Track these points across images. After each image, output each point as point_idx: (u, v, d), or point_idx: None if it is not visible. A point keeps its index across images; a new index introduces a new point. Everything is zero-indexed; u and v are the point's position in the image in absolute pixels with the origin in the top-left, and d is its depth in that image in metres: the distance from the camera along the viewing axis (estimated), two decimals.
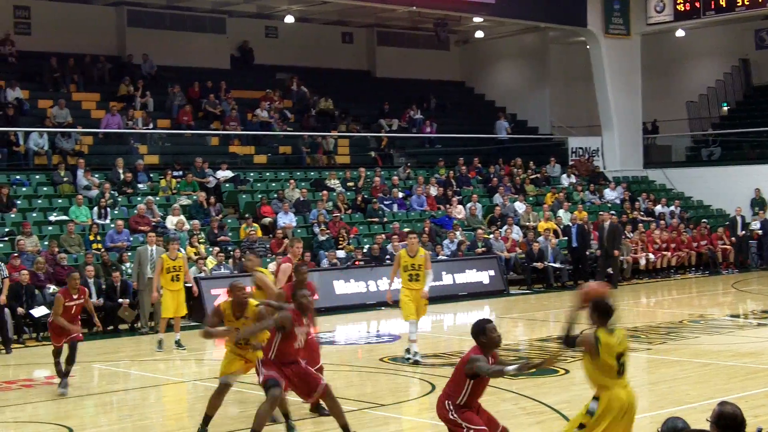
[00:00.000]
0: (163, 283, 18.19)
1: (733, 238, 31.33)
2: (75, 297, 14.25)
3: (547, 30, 38.26)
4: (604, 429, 8.28)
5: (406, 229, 27.79)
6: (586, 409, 8.39)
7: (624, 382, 8.40)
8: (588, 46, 36.14)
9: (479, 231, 28.07)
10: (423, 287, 16.04)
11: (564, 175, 34.73)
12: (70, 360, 14.06)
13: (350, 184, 30.14)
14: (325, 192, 28.63)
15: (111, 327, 21.11)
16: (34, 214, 23.96)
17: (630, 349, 8.73)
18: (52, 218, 24.01)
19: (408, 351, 16.04)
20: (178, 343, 18.15)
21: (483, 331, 8.94)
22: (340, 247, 26.00)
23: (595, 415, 8.34)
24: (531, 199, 32.13)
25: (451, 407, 8.96)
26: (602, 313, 8.41)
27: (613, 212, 31.58)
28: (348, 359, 17.30)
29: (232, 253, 23.76)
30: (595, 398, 8.39)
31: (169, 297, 18.11)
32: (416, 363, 15.65)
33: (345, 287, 24.33)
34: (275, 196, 27.66)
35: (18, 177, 25.52)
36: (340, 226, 26.73)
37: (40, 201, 24.84)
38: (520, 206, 30.81)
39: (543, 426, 11.62)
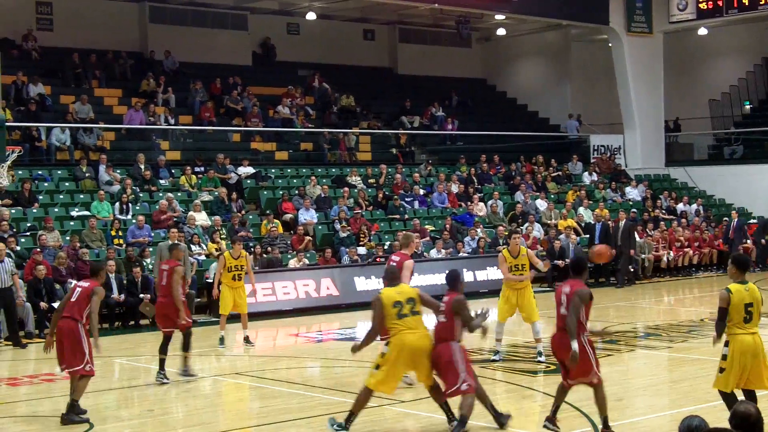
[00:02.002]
0: (224, 280, 18.16)
1: (754, 238, 31.08)
2: None
3: (569, 27, 38.16)
4: (736, 369, 9.79)
5: (427, 226, 27.80)
6: (721, 355, 9.91)
7: (752, 328, 9.87)
8: (610, 44, 36.01)
9: (500, 228, 28.01)
10: (528, 283, 16.09)
11: (585, 173, 34.63)
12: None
13: (371, 180, 30.14)
14: (346, 189, 28.64)
15: (132, 322, 21.19)
16: (56, 210, 24.05)
17: (761, 301, 10.02)
18: (73, 213, 24.11)
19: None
20: (247, 340, 18.19)
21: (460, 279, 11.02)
22: (361, 243, 26.01)
23: (727, 358, 9.87)
24: (552, 196, 32.04)
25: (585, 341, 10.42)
26: (740, 266, 10.03)
27: (634, 210, 31.54)
28: (369, 356, 17.28)
29: (253, 249, 23.79)
30: (726, 344, 9.90)
31: (229, 294, 18.09)
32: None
33: (366, 284, 24.30)
34: (296, 192, 27.68)
35: (40, 172, 25.63)
36: (361, 222, 26.73)
37: (62, 196, 24.94)
38: (541, 204, 30.73)
39: (563, 423, 11.56)
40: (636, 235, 28.25)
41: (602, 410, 10.64)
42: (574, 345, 10.25)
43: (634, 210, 31.68)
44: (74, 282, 13.07)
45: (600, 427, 10.69)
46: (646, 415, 12.21)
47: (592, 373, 10.50)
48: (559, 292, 10.66)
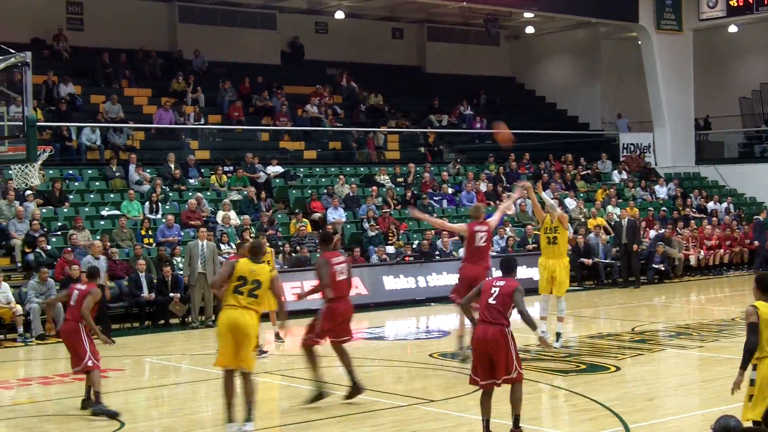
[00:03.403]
0: None
1: None
2: None
3: (598, 25, 37.98)
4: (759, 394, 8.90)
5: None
6: (749, 380, 9.00)
7: None
8: (639, 42, 35.82)
9: (529, 227, 27.92)
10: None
11: (615, 171, 34.46)
12: None
13: (400, 179, 30.12)
14: (374, 187, 28.63)
15: (162, 321, 21.28)
16: (87, 209, 24.18)
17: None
18: (104, 213, 24.23)
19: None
20: (277, 336, 18.25)
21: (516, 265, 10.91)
22: (389, 242, 26.00)
23: (756, 384, 8.95)
24: (582, 195, 31.91)
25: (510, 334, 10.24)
26: (763, 287, 9.04)
27: (664, 208, 31.39)
28: (397, 355, 17.30)
29: (282, 248, 23.83)
30: (754, 367, 8.98)
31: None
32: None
33: (394, 283, 24.32)
34: (325, 191, 27.71)
35: (71, 172, 25.79)
36: (390, 221, 26.72)
37: (92, 196, 25.08)
38: (570, 202, 30.60)
39: (594, 423, 11.54)
40: (643, 233, 28.15)
41: (516, 408, 10.46)
42: (539, 332, 11.12)
43: (664, 209, 31.53)
44: (72, 285, 13.35)
45: (511, 427, 10.48)
46: (677, 415, 12.14)
47: (513, 368, 10.25)
48: (489, 285, 10.52)
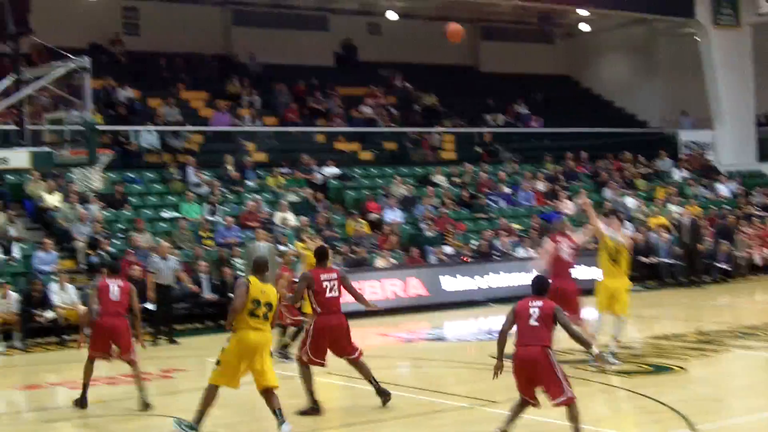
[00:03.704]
0: None
1: None
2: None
3: (654, 22, 37.51)
4: None
5: (514, 225, 27.55)
6: None
7: None
8: (697, 38, 35.37)
9: (587, 226, 27.63)
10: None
11: (675, 170, 34.05)
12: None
13: (456, 179, 30.00)
14: (430, 188, 28.54)
15: (222, 321, 21.34)
16: (147, 211, 24.40)
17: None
18: (164, 215, 24.42)
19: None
20: None
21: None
22: (447, 243, 25.88)
23: None
24: (642, 194, 31.56)
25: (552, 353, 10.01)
26: None
27: (727, 207, 30.96)
28: (458, 356, 17.20)
29: (339, 248, 23.83)
30: None
31: None
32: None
33: (452, 283, 24.20)
34: (381, 192, 27.67)
35: (131, 175, 26.01)
36: (447, 221, 26.61)
37: (152, 198, 25.30)
38: (630, 201, 30.28)
39: (661, 425, 11.38)
40: (705, 232, 27.82)
41: (577, 428, 9.99)
42: (595, 350, 10.97)
43: (727, 207, 31.07)
44: (103, 280, 13.43)
45: None
46: (744, 416, 11.95)
47: (562, 390, 9.92)
48: (526, 307, 10.18)
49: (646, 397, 12.70)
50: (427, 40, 37.15)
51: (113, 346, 13.08)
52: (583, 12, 35.49)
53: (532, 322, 10.01)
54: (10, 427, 12.71)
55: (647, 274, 26.91)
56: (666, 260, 26.97)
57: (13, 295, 19.24)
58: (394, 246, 25.03)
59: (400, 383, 13.63)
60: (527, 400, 10.15)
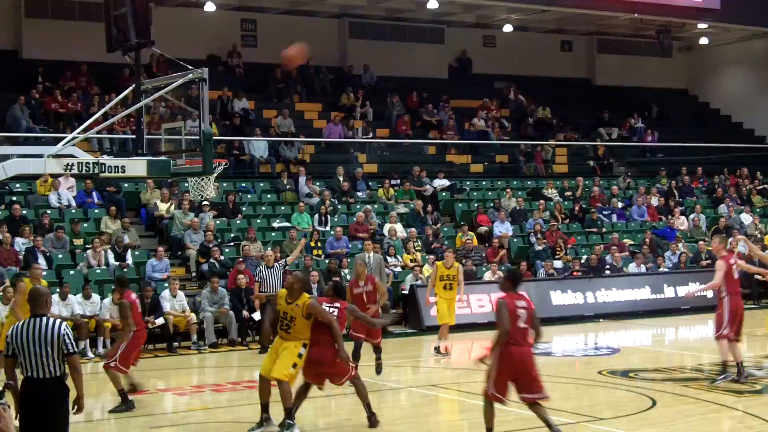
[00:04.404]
0: (437, 290, 18.39)
1: None
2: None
3: None
4: None
5: (626, 240, 27.21)
6: None
7: None
8: None
9: (701, 243, 27.15)
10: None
11: None
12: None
13: (568, 193, 29.75)
14: (542, 201, 28.37)
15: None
16: (259, 221, 24.75)
17: None
18: (275, 225, 24.75)
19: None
20: (437, 350, 18.38)
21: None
22: (557, 257, 25.68)
23: None
24: (758, 210, 30.84)
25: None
26: None
27: None
28: (565, 371, 17.04)
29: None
30: None
31: (443, 304, 18.34)
32: None
33: (562, 298, 23.99)
34: (491, 205, 27.61)
35: (243, 184, 26.45)
36: (558, 235, 26.40)
37: (264, 208, 25.64)
38: (746, 218, 29.63)
39: None
40: None
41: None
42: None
43: None
44: (128, 292, 14.20)
45: None
46: None
47: (541, 387, 10.60)
48: (515, 308, 10.53)
49: (758, 417, 12.42)
50: (543, 53, 37.03)
51: None
52: (702, 25, 34.90)
53: (521, 324, 10.45)
54: None
55: (762, 292, 26.27)
56: None
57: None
58: (503, 259, 24.94)
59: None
60: (500, 398, 10.55)
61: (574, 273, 24.82)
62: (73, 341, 8.52)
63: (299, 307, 11.56)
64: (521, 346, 10.51)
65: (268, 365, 11.67)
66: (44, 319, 8.52)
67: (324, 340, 11.56)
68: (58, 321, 8.58)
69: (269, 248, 22.09)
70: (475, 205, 27.79)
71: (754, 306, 25.42)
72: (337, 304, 12.13)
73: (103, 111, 14.96)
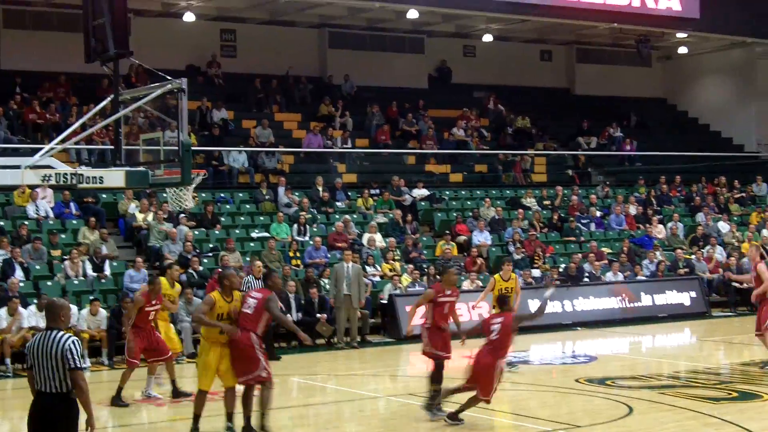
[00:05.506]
0: (494, 302, 18.03)
1: None
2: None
3: (753, 45, 36.95)
4: None
5: (604, 249, 27.34)
6: None
7: None
8: None
9: (679, 251, 27.30)
10: None
11: None
12: None
13: (546, 202, 29.86)
14: (520, 210, 28.47)
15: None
16: (237, 231, 24.74)
17: None
18: (254, 235, 24.74)
19: None
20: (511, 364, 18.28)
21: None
22: (535, 266, 25.76)
23: None
24: (736, 218, 31.03)
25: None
26: None
27: None
28: (543, 379, 17.11)
29: (426, 270, 23.90)
30: None
31: None
32: None
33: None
34: (470, 214, 27.68)
35: (222, 195, 26.44)
36: (536, 245, 26.49)
37: (242, 218, 25.64)
38: (724, 226, 29.82)
39: None
40: None
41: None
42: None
43: None
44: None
45: None
46: None
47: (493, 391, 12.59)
48: (489, 323, 12.74)
49: (733, 424, 12.50)
50: (522, 63, 37.18)
51: None
52: (681, 35, 35.14)
53: (494, 336, 12.48)
54: None
55: (740, 300, 26.42)
56: None
57: (103, 312, 19.51)
58: (481, 268, 25.01)
59: (484, 406, 13.58)
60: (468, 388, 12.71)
61: (552, 282, 24.87)
62: (78, 356, 8.21)
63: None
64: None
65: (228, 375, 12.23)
66: (55, 332, 8.32)
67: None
68: (66, 334, 8.32)
69: (248, 259, 22.12)
70: (454, 214, 27.85)
71: (730, 314, 25.63)
72: (259, 294, 12.38)
73: (81, 122, 14.89)
